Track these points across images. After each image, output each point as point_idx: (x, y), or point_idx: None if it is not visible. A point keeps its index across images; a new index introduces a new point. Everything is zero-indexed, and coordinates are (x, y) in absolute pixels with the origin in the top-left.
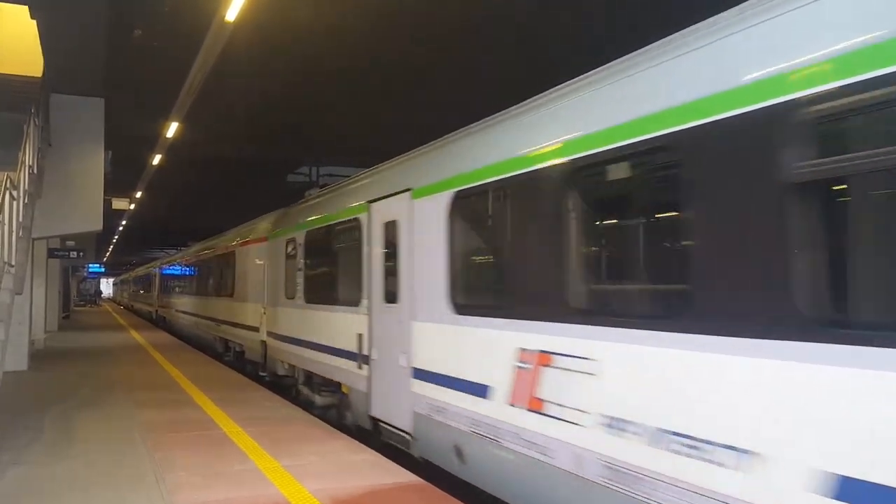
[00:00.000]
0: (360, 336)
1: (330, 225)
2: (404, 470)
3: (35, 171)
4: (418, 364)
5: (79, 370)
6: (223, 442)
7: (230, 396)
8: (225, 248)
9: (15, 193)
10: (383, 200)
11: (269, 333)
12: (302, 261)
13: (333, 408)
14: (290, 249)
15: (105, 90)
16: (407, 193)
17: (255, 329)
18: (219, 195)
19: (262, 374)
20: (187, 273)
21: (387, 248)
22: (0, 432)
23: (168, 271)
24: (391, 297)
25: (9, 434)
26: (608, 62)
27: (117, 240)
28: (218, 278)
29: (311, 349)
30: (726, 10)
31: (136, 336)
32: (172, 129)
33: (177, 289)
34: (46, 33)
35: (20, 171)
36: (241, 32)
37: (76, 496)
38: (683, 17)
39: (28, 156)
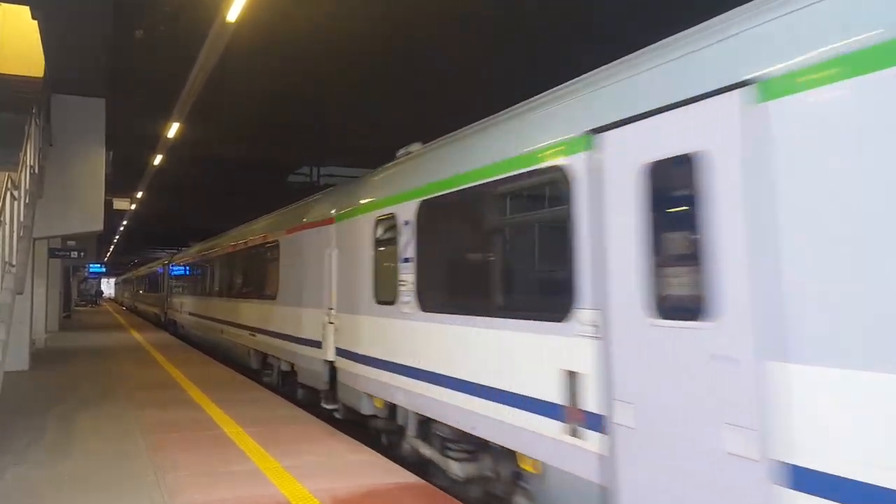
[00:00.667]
0: (570, 375)
1: (479, 186)
2: (404, 470)
3: (36, 171)
4: (810, 460)
5: (80, 370)
6: (224, 442)
7: (230, 397)
8: (261, 237)
9: (16, 193)
10: (642, 122)
11: (343, 352)
12: (411, 247)
13: (487, 483)
14: (382, 232)
15: (106, 90)
16: (739, 92)
17: (315, 344)
18: (219, 195)
19: (327, 406)
20: (206, 270)
21: (660, 208)
22: (1, 433)
23: (179, 269)
24: (679, 307)
25: (10, 434)
26: (608, 62)
27: (118, 240)
28: (251, 276)
29: (438, 385)
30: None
31: (137, 336)
32: (173, 130)
33: (191, 289)
34: (47, 34)
35: (21, 171)
36: (243, 33)
37: (77, 496)
38: (683, 16)
39: (29, 156)
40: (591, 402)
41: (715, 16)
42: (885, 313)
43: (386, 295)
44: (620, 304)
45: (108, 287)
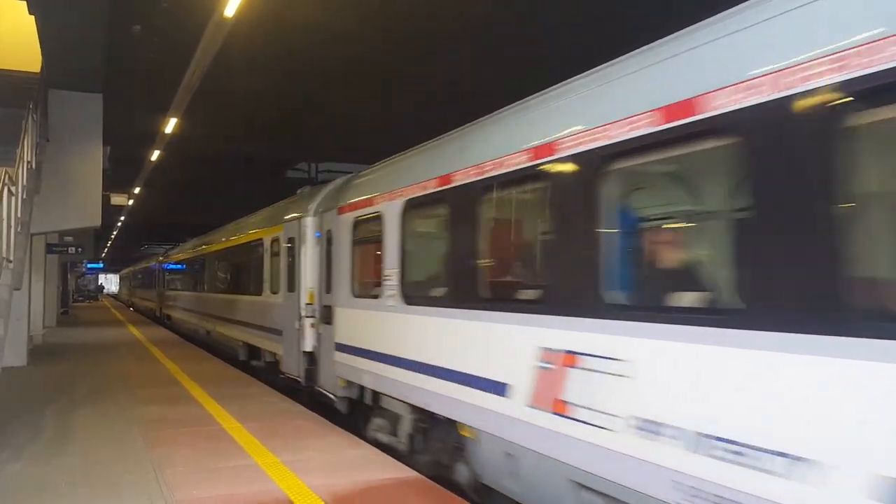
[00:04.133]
0: None
1: None
2: (403, 465)
3: (33, 166)
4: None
5: (78, 366)
6: (222, 438)
7: (229, 392)
8: None
9: (13, 189)
10: None
11: None
12: None
13: None
14: None
15: (104, 86)
16: None
17: None
18: (217, 191)
19: None
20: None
21: None
22: None
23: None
24: None
25: (8, 431)
26: (605, 61)
27: (116, 235)
28: None
29: None
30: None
31: (135, 332)
32: (171, 125)
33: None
34: (45, 29)
35: (18, 166)
36: (240, 28)
37: (75, 492)
38: (686, 15)
39: (26, 151)
40: None
41: None
42: None
43: None
44: None
45: (107, 282)
